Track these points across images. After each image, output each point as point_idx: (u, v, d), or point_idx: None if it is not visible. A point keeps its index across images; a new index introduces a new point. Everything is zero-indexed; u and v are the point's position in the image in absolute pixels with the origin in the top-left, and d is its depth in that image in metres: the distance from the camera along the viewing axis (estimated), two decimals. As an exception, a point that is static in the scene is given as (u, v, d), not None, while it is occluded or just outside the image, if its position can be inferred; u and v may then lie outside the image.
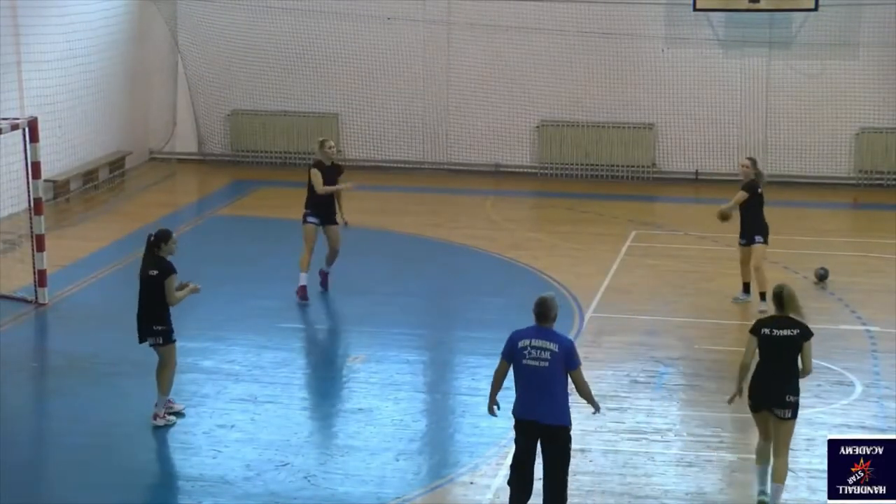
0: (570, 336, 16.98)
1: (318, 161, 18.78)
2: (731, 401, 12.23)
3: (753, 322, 12.24)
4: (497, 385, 11.51)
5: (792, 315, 11.97)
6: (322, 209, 18.66)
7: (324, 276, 19.04)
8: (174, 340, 14.09)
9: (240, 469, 13.02)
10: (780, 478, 11.98)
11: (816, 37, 26.49)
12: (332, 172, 18.74)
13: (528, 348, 11.19)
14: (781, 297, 11.97)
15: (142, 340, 14.13)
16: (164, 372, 14.06)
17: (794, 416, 11.94)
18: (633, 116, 27.35)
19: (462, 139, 27.92)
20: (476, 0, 27.46)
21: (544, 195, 26.44)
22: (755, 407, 12.03)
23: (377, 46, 27.79)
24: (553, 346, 11.18)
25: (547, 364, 11.13)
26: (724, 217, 18.23)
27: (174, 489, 12.69)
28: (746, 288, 18.57)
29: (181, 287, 14.09)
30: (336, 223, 18.72)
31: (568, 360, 11.20)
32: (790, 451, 12.25)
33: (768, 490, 12.07)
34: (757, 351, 12.00)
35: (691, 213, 24.66)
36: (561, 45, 27.25)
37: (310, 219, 18.70)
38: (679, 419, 14.47)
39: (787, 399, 11.86)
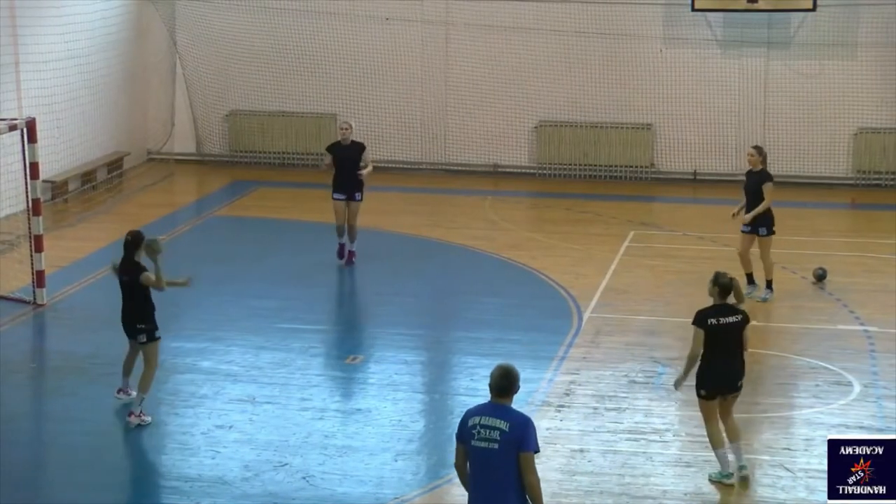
0: (570, 337, 17.07)
1: (334, 143, 20.46)
2: (678, 386, 12.82)
3: (696, 314, 12.58)
4: (464, 476, 9.55)
5: (732, 302, 12.54)
6: (345, 186, 20.08)
7: (349, 253, 20.36)
8: (158, 338, 14.25)
9: (238, 469, 13.02)
10: (737, 436, 12.71)
11: (815, 37, 26.51)
12: (351, 151, 20.14)
13: (478, 427, 9.32)
14: (729, 286, 12.47)
15: (130, 337, 14.36)
16: (147, 371, 14.15)
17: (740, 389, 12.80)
18: (631, 117, 27.36)
19: (460, 139, 27.93)
20: (474, 0, 27.47)
21: (542, 195, 26.45)
22: (710, 396, 12.58)
23: (375, 47, 27.80)
24: (503, 425, 9.26)
25: (496, 446, 9.24)
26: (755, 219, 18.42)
27: (172, 489, 12.68)
28: (751, 279, 18.61)
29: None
30: (357, 200, 20.15)
31: (520, 441, 9.23)
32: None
33: (732, 470, 12.61)
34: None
35: (689, 213, 24.68)
36: (559, 46, 27.25)
37: (335, 195, 20.20)
38: (677, 419, 14.47)
39: (738, 385, 12.67)
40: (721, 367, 12.49)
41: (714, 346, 12.44)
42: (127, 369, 14.58)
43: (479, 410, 9.44)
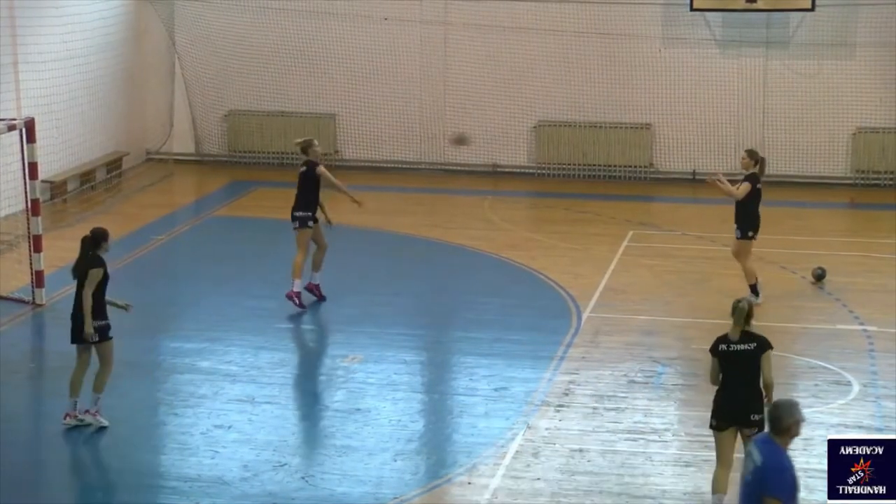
0: (569, 337, 17.07)
1: (309, 161, 18.83)
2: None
3: (713, 341, 11.88)
4: None
5: (747, 328, 11.70)
6: (314, 209, 18.56)
7: (317, 288, 18.66)
8: (111, 338, 14.01)
9: (237, 469, 13.02)
10: None
11: (813, 37, 26.51)
12: (308, 169, 18.68)
13: (747, 454, 9.47)
14: (735, 311, 11.68)
15: (75, 340, 14.04)
16: (104, 369, 13.99)
17: (762, 430, 11.51)
18: (630, 117, 27.36)
19: (459, 139, 27.93)
20: (472, 1, 27.46)
21: (542, 195, 26.45)
22: (720, 427, 11.80)
23: (374, 47, 27.79)
24: (758, 459, 9.15)
25: (749, 477, 9.25)
26: (717, 186, 18.08)
27: (172, 489, 12.68)
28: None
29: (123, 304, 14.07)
30: (317, 221, 18.50)
31: (765, 482, 9.04)
32: None
33: None
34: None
35: (688, 213, 24.67)
36: (558, 46, 27.25)
37: (310, 222, 18.47)
38: (677, 419, 14.47)
39: (752, 418, 11.65)
40: (729, 395, 11.74)
41: (724, 373, 11.75)
42: (75, 387, 14.08)
43: (757, 438, 9.48)
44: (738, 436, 11.77)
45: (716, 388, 11.85)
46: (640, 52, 27.12)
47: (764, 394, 11.71)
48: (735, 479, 11.99)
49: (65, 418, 14.00)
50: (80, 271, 13.98)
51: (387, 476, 12.93)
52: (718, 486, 11.82)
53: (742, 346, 11.68)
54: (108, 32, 26.56)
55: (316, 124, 27.97)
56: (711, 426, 11.89)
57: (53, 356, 16.82)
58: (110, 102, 27.03)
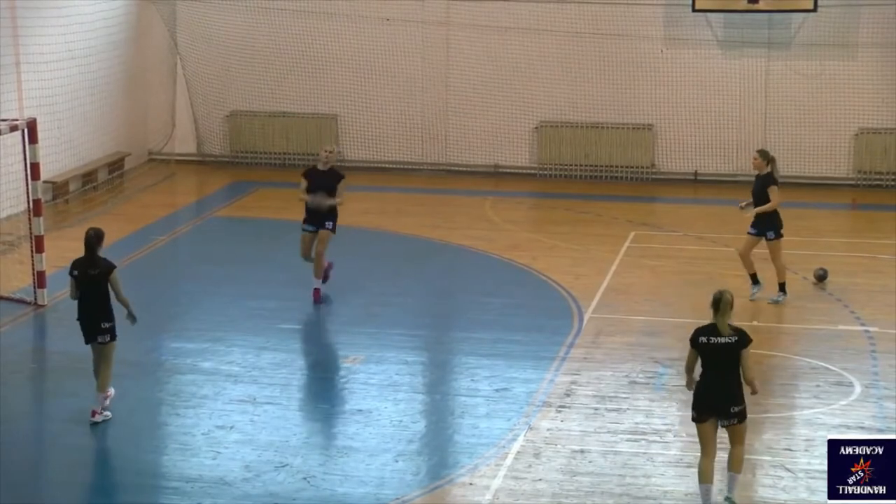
0: (571, 338, 17.07)
1: (311, 167, 18.98)
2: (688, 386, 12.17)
3: (692, 332, 11.97)
4: None
5: (728, 322, 11.81)
6: (315, 216, 18.54)
7: (314, 291, 18.62)
8: (116, 337, 14.17)
9: (239, 470, 13.02)
10: (736, 467, 12.03)
11: (815, 37, 26.50)
12: (327, 178, 18.51)
13: None
14: (720, 303, 11.80)
15: (89, 341, 14.17)
16: (107, 370, 14.10)
17: (742, 420, 11.94)
18: (632, 117, 27.36)
19: (461, 140, 27.92)
20: (475, 1, 27.47)
21: (543, 196, 26.45)
22: (699, 418, 11.96)
23: (376, 47, 27.80)
24: None
25: None
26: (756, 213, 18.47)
27: (173, 490, 12.68)
28: (755, 279, 18.63)
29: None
30: (327, 228, 18.42)
31: None
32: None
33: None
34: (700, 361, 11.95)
35: (690, 213, 24.66)
36: (560, 46, 27.25)
37: (304, 226, 18.69)
38: (678, 420, 14.46)
39: (731, 411, 11.85)
40: (710, 389, 11.88)
41: (705, 366, 11.88)
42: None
43: None
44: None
45: (686, 371, 12.00)
46: (642, 53, 27.13)
47: (745, 385, 11.86)
48: (720, 467, 12.16)
49: (94, 416, 14.11)
50: (102, 276, 14.04)
51: (388, 477, 12.94)
52: (704, 477, 11.99)
53: (724, 340, 11.76)
54: (110, 32, 26.57)
55: (318, 125, 27.99)
56: (693, 419, 12.03)
57: (55, 357, 16.84)
58: (112, 103, 27.04)
